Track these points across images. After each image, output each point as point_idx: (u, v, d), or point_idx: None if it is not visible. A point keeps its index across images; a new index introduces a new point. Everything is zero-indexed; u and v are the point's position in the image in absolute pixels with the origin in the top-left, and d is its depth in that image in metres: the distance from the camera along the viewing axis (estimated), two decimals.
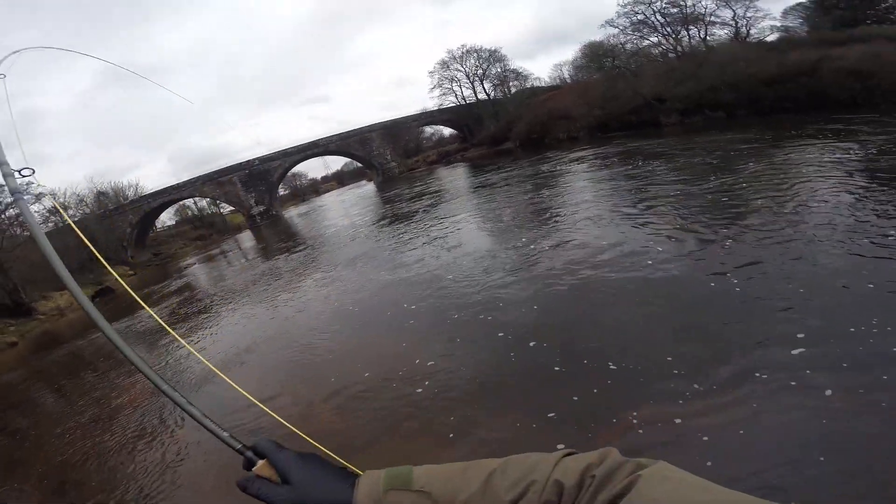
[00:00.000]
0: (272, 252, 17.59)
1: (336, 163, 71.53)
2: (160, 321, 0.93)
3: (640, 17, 26.03)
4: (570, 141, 24.69)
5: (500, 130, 33.90)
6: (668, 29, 25.68)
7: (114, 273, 0.80)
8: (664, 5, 25.38)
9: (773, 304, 3.75)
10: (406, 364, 4.49)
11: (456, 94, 42.64)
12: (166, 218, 47.74)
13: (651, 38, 26.30)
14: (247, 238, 30.18)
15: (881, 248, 4.20)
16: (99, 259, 0.85)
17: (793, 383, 2.86)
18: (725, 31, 25.04)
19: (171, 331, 0.92)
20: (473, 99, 41.80)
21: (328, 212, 29.19)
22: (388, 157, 42.42)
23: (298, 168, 51.94)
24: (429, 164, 41.95)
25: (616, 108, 22.86)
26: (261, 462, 0.65)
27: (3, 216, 22.20)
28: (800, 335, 3.26)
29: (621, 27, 26.72)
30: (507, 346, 4.31)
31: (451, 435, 3.32)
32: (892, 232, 4.47)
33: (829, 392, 2.71)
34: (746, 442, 2.57)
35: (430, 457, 3.19)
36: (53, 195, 30.40)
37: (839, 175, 6.71)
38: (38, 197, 27.16)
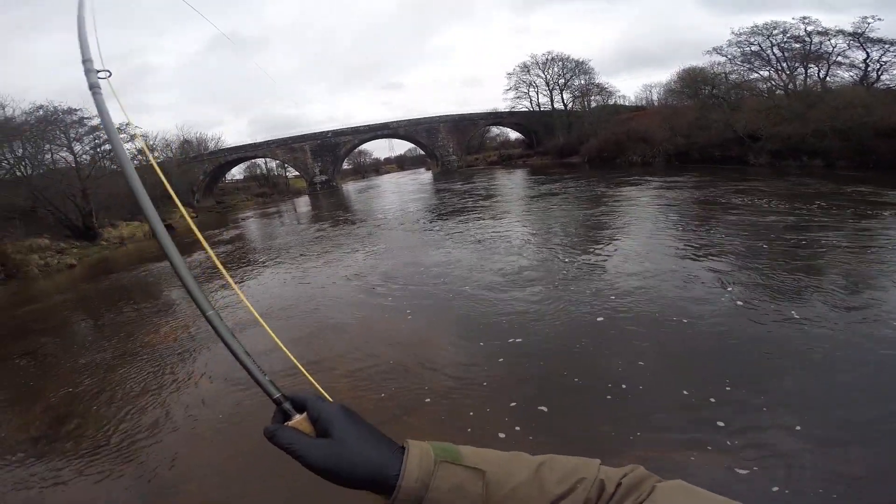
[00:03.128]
0: (323, 220, 17.98)
1: (400, 147, 72.85)
2: (218, 263, 0.85)
3: (754, 48, 23.58)
4: (643, 165, 23.36)
5: (570, 142, 32.78)
6: (784, 64, 23.06)
7: (185, 215, 0.82)
8: (786, 39, 22.79)
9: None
10: (428, 354, 4.44)
11: (531, 100, 41.65)
12: (236, 171, 50.69)
13: (761, 72, 23.68)
14: (303, 203, 31.24)
15: None
16: (174, 199, 0.89)
17: None
18: (851, 74, 22.00)
19: (225, 273, 0.85)
20: (548, 107, 40.51)
21: (384, 192, 29.59)
22: (451, 149, 42.45)
23: (364, 146, 53.31)
24: (489, 163, 41.64)
25: (702, 138, 21.12)
26: (299, 416, 0.58)
27: (99, 150, 24.41)
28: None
29: (730, 56, 24.44)
30: (528, 356, 4.09)
31: (469, 430, 3.21)
32: None
33: None
34: None
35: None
36: (145, 136, 33.22)
37: None
38: (132, 137, 30.05)
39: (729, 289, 5.07)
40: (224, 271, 0.86)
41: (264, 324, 0.79)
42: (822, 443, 2.63)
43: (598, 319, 4.64)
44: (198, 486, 3.01)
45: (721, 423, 2.88)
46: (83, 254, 18.06)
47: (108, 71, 0.77)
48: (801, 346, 3.70)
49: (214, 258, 0.83)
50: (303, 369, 0.76)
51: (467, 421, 3.27)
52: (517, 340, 4.42)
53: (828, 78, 22.26)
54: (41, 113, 22.62)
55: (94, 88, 0.76)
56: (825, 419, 2.81)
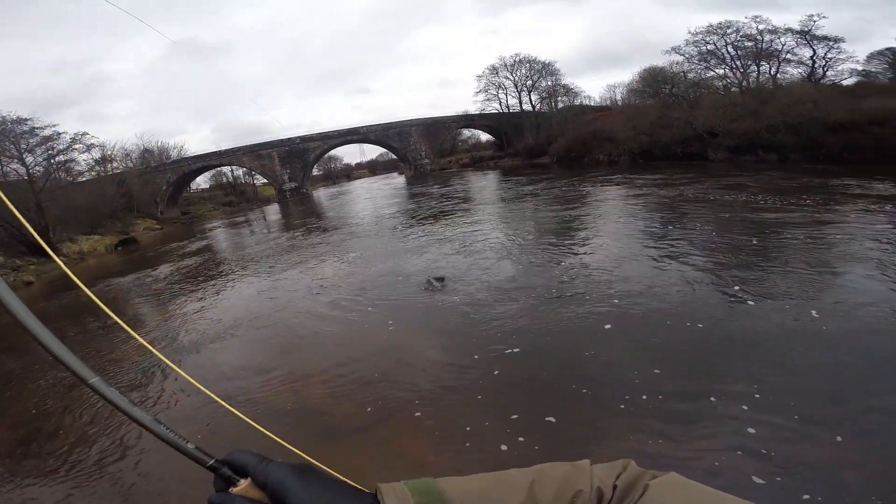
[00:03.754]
0: (294, 228, 17.66)
1: (371, 151, 72.23)
2: (103, 307, 0.68)
3: (710, 47, 24.63)
4: (609, 164, 23.99)
5: (539, 143, 33.27)
6: (738, 62, 24.21)
7: (56, 258, 0.53)
8: (739, 38, 23.88)
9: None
10: (407, 358, 4.40)
11: (500, 102, 42.22)
12: (201, 181, 49.18)
13: (717, 70, 24.81)
14: (273, 211, 30.59)
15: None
16: (43, 245, 0.65)
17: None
18: (799, 71, 23.36)
19: (117, 319, 0.67)
20: (518, 108, 41.19)
21: (357, 198, 29.31)
22: (423, 153, 42.45)
23: (334, 151, 52.69)
24: (461, 165, 41.88)
25: (664, 136, 21.87)
26: (244, 482, 0.51)
27: (53, 162, 23.31)
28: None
29: (687, 55, 25.39)
30: (506, 357, 4.11)
31: (467, 444, 3.13)
32: None
33: None
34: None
35: (421, 454, 3.04)
36: (103, 147, 31.77)
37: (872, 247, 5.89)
38: (90, 147, 28.85)
39: (735, 287, 5.31)
40: (117, 319, 0.68)
41: (175, 367, 0.72)
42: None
43: (606, 327, 4.39)
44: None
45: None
46: (41, 270, 17.09)
47: None
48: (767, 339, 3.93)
49: (100, 303, 0.68)
50: (228, 406, 0.68)
51: (465, 435, 3.16)
52: (514, 350, 4.20)
53: (778, 75, 23.54)
54: None
55: None
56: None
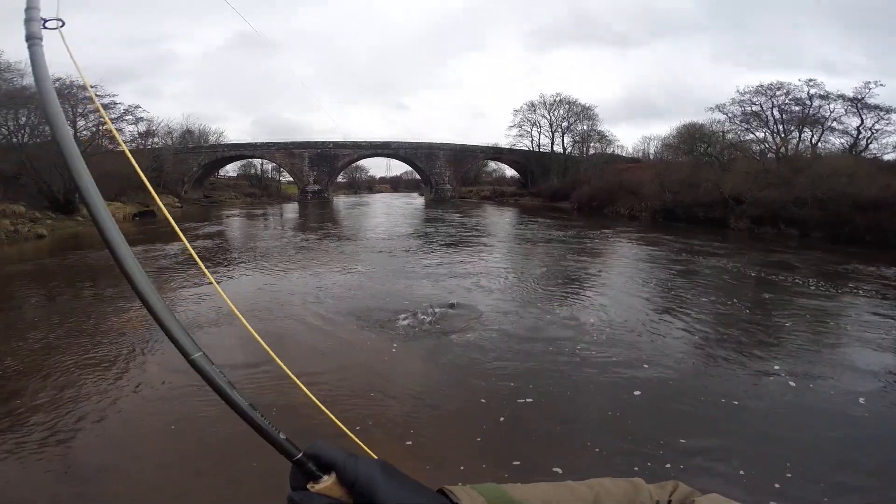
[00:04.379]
0: (309, 230, 17.82)
1: (397, 168, 73.42)
2: (196, 257, 0.74)
3: (755, 108, 23.60)
4: (629, 218, 23.69)
5: (563, 186, 33.21)
6: (780, 126, 23.18)
7: (165, 213, 0.67)
8: (787, 101, 22.86)
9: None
10: (406, 382, 4.28)
11: (532, 139, 42.23)
12: (230, 169, 50.43)
13: (757, 133, 23.83)
14: (292, 209, 31.04)
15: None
16: (149, 189, 0.72)
17: None
18: (843, 141, 22.21)
19: (203, 268, 0.72)
20: (548, 148, 41.18)
21: (375, 210, 29.63)
22: (447, 178, 42.86)
23: (362, 162, 53.68)
24: (481, 197, 42.05)
25: (690, 197, 21.29)
26: (328, 479, 0.48)
27: (100, 129, 24.38)
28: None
29: (730, 114, 24.42)
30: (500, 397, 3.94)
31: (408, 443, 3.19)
32: None
33: None
34: None
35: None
36: (150, 121, 32.97)
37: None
38: (138, 120, 30.06)
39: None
40: (204, 268, 0.73)
41: (246, 323, 0.69)
42: None
43: (636, 393, 4.01)
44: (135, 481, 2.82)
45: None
46: (56, 226, 17.57)
47: (61, 20, 0.58)
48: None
49: (194, 254, 0.73)
50: (333, 418, 0.67)
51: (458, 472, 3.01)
52: (527, 400, 3.89)
53: (819, 143, 22.42)
54: (57, 85, 22.54)
55: (32, 40, 0.56)
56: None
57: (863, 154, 21.17)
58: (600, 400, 3.95)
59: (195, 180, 37.46)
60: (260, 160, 45.98)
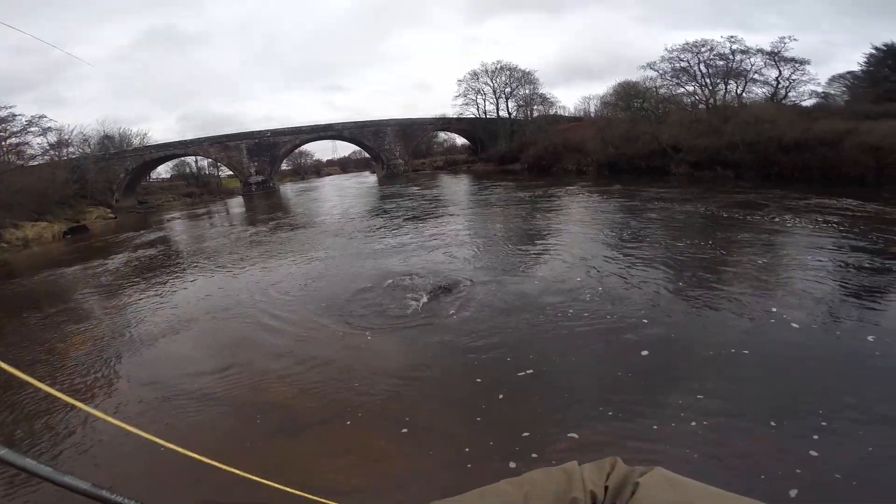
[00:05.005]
0: (258, 222, 17.16)
1: (344, 149, 71.20)
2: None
3: (683, 64, 25.37)
4: (577, 174, 24.64)
5: (511, 150, 33.75)
6: (707, 80, 25.03)
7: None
8: (712, 56, 24.67)
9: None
10: (364, 356, 4.36)
11: (478, 107, 42.49)
12: (162, 170, 47.02)
13: (687, 87, 25.68)
14: (237, 204, 29.63)
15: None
16: None
17: None
18: (764, 91, 24.30)
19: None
20: (494, 115, 41.69)
21: (326, 195, 28.80)
22: (398, 153, 42.20)
23: (305, 147, 51.61)
24: (434, 168, 42.00)
25: (631, 150, 22.62)
26: None
27: (3, 144, 21.87)
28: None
29: (661, 71, 26.09)
30: (463, 354, 4.12)
31: (404, 430, 3.22)
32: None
33: None
34: None
35: (380, 447, 3.04)
36: (60, 131, 29.84)
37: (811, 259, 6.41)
38: (46, 131, 27.05)
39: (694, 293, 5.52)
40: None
41: (86, 407, 0.63)
42: None
43: (643, 353, 3.94)
44: None
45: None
46: None
47: None
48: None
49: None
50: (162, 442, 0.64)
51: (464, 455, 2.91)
52: (527, 372, 3.81)
53: (744, 94, 24.48)
54: None
55: None
56: None
57: (783, 102, 23.20)
58: (605, 361, 3.92)
59: (125, 187, 34.64)
60: (194, 157, 43.08)
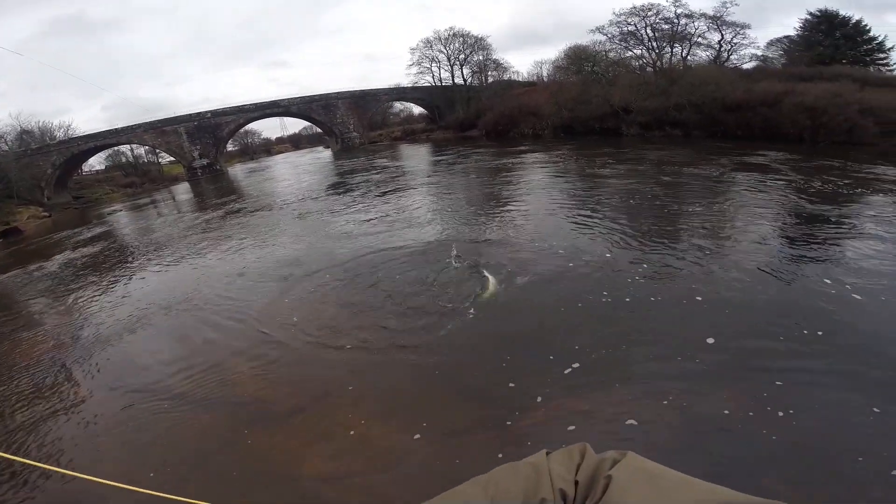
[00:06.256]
0: (207, 208, 16.33)
1: (293, 126, 68.16)
2: None
3: (630, 28, 25.95)
4: (534, 137, 24.90)
5: (469, 117, 33.63)
6: (654, 44, 25.75)
7: None
8: (657, 20, 25.34)
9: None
10: (331, 338, 4.37)
11: (433, 75, 41.50)
12: (95, 162, 43.44)
13: (635, 50, 26.20)
14: (183, 190, 28.00)
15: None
16: None
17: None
18: (708, 54, 25.48)
19: None
20: (450, 82, 40.93)
21: (278, 173, 27.69)
22: (352, 126, 40.87)
23: (252, 126, 49.03)
24: (392, 139, 41.13)
25: (584, 112, 23.14)
26: None
27: None
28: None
29: (609, 35, 26.56)
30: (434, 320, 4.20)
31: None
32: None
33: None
34: None
35: (359, 431, 3.09)
36: None
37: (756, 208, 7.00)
38: None
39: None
40: None
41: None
42: None
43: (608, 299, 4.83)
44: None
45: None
46: None
47: None
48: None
49: None
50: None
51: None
52: (573, 367, 3.48)
53: (689, 57, 25.51)
54: None
55: None
56: None
57: (725, 64, 24.37)
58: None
59: (55, 183, 31.82)
60: (128, 146, 39.93)
